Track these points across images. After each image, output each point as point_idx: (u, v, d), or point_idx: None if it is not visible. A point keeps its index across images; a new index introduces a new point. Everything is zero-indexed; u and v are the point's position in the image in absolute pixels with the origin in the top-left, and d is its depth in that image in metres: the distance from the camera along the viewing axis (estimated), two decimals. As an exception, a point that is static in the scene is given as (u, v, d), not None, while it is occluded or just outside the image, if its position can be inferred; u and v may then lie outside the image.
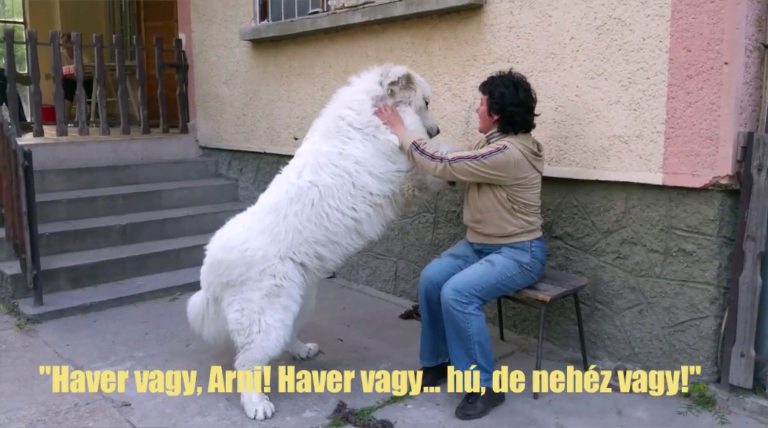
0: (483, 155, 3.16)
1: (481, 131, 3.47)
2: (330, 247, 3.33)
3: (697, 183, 3.23)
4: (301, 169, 3.35)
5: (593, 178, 3.64)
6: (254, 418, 3.16)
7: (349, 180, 3.27)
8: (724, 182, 3.16)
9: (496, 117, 3.30)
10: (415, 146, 3.25)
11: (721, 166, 3.16)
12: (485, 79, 3.39)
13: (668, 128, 3.32)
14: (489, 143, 3.34)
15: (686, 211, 3.32)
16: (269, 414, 3.19)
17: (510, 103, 3.24)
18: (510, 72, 3.35)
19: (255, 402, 3.21)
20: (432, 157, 3.22)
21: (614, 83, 3.49)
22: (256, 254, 3.23)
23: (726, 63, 3.11)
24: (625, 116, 3.47)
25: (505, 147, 3.17)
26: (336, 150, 3.31)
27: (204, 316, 3.52)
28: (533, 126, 3.38)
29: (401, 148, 3.31)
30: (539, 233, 3.39)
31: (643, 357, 3.56)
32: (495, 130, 3.34)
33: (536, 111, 3.30)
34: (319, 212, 3.27)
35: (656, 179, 3.38)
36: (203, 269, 3.46)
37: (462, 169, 3.19)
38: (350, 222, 3.30)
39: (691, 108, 3.23)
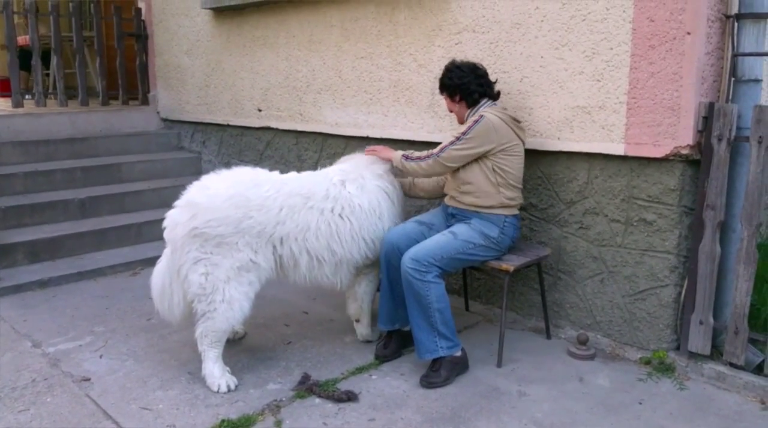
0: (464, 133, 3.27)
1: (461, 123, 3.51)
2: (311, 264, 3.32)
3: (659, 153, 3.26)
4: (345, 179, 3.43)
5: (557, 149, 3.64)
6: (217, 392, 3.11)
7: (378, 217, 3.45)
8: (685, 152, 3.19)
9: (458, 97, 3.43)
10: (405, 157, 3.45)
11: (683, 136, 3.18)
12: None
13: (630, 98, 3.32)
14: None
15: (647, 181, 3.35)
16: (232, 387, 3.14)
17: (457, 78, 3.40)
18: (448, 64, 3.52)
19: (217, 376, 3.15)
20: (420, 158, 3.38)
21: (578, 54, 3.48)
22: (255, 228, 3.13)
23: (688, 33, 3.11)
24: (589, 87, 3.47)
25: (482, 116, 3.27)
26: (381, 189, 3.50)
27: (171, 280, 3.25)
28: (496, 92, 3.48)
29: (394, 165, 3.53)
30: (516, 211, 3.42)
31: (604, 325, 3.61)
32: (468, 111, 3.45)
33: (502, 82, 3.28)
34: (338, 224, 3.31)
35: (618, 149, 3.39)
36: (173, 211, 3.19)
37: (450, 156, 3.29)
38: (346, 255, 3.36)
39: (653, 78, 3.24)
